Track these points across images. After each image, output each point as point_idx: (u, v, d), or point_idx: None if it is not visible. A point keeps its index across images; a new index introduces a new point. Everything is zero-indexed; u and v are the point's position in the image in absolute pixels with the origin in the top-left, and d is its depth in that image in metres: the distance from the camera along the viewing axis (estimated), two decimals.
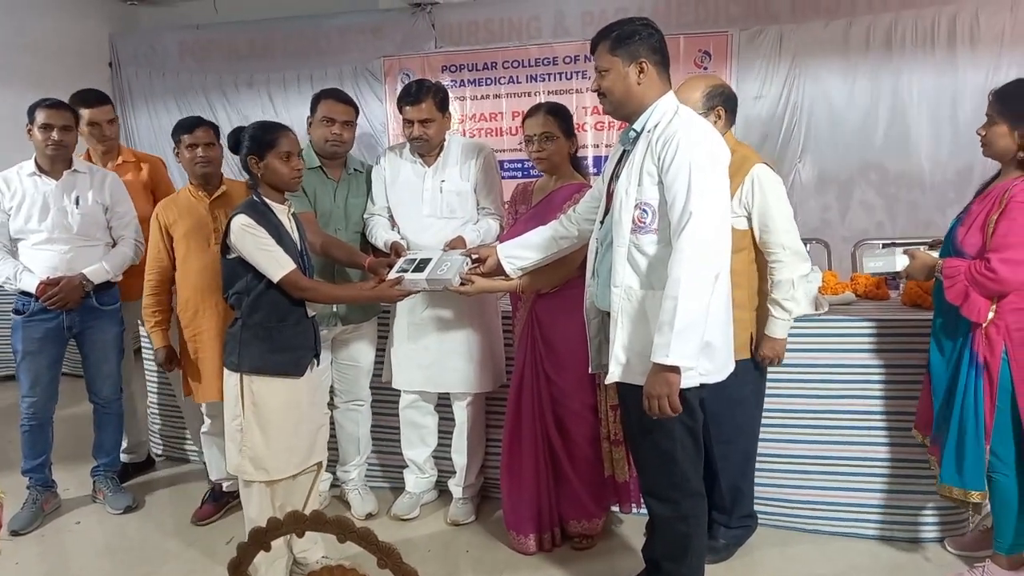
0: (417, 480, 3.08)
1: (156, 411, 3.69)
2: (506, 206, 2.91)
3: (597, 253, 2.15)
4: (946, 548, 2.60)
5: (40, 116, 2.93)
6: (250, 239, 2.29)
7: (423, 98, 2.73)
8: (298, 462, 2.44)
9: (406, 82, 5.70)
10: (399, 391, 3.00)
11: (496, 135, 5.77)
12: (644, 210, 1.94)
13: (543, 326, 2.57)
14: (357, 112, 2.97)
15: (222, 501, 3.14)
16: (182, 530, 3.04)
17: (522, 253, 2.45)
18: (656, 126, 1.96)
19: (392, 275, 2.52)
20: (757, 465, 2.69)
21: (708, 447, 2.43)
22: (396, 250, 2.73)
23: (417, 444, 3.05)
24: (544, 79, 5.60)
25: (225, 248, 2.35)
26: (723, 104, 2.39)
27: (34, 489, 3.14)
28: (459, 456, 2.99)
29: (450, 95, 5.62)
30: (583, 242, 2.38)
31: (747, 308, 2.39)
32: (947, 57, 4.85)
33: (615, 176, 2.07)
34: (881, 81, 5.00)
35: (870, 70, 5.00)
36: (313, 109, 2.91)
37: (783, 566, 2.59)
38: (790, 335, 2.66)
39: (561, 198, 2.55)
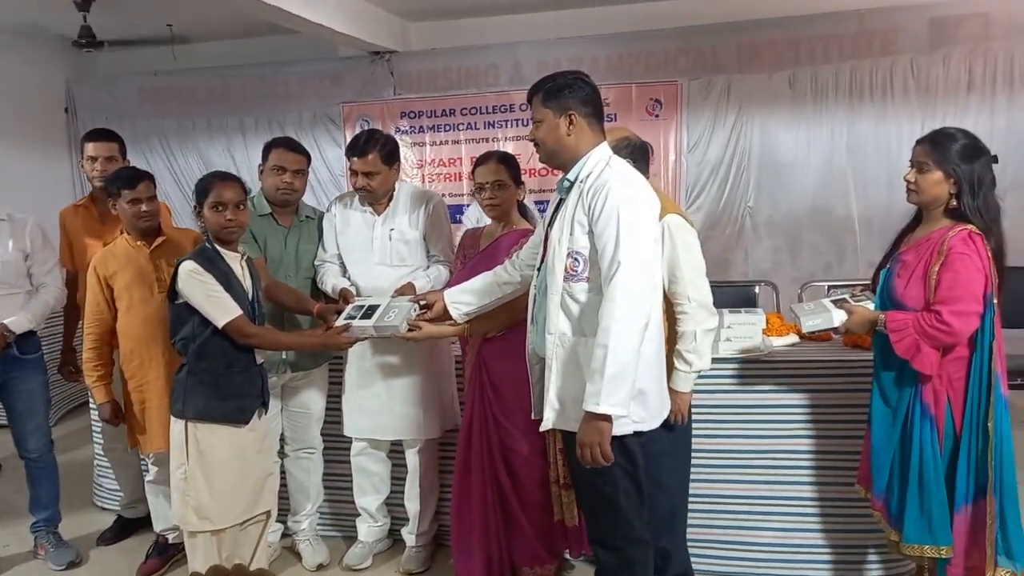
0: (369, 528, 3.04)
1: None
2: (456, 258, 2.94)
3: (535, 300, 2.18)
4: None
5: None
6: (196, 285, 2.29)
7: (369, 150, 2.75)
8: (243, 510, 2.41)
9: (365, 128, 5.91)
10: (351, 438, 2.99)
11: (455, 180, 5.85)
12: (576, 259, 2.00)
13: (490, 370, 2.59)
14: (309, 160, 3.00)
15: (167, 555, 3.05)
16: None
17: (467, 299, 2.47)
18: (588, 176, 2.02)
19: (340, 322, 2.52)
20: (702, 508, 2.72)
21: None
22: (345, 297, 2.74)
23: (369, 492, 3.02)
24: (502, 125, 5.71)
25: (173, 294, 2.34)
26: (630, 155, 2.41)
27: None
28: (412, 503, 2.97)
29: (409, 141, 5.82)
30: (525, 287, 2.41)
31: None
32: (884, 106, 5.08)
33: (551, 224, 2.12)
34: (823, 128, 5.21)
35: (812, 118, 5.21)
36: (265, 157, 2.92)
37: None
38: (735, 375, 2.73)
39: (507, 243, 2.60)
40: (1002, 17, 4.85)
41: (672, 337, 2.35)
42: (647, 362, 1.99)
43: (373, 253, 2.86)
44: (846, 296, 2.48)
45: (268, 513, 2.53)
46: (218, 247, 2.39)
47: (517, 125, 5.70)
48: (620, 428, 1.96)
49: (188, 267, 2.29)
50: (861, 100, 5.13)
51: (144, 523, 3.36)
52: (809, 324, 2.34)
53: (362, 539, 3.04)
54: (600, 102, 2.08)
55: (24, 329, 2.97)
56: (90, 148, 3.14)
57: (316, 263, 2.94)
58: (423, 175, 5.87)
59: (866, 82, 5.09)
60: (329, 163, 6.03)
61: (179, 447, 2.35)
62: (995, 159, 2.23)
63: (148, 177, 2.85)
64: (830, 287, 3.94)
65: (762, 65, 5.24)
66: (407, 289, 2.73)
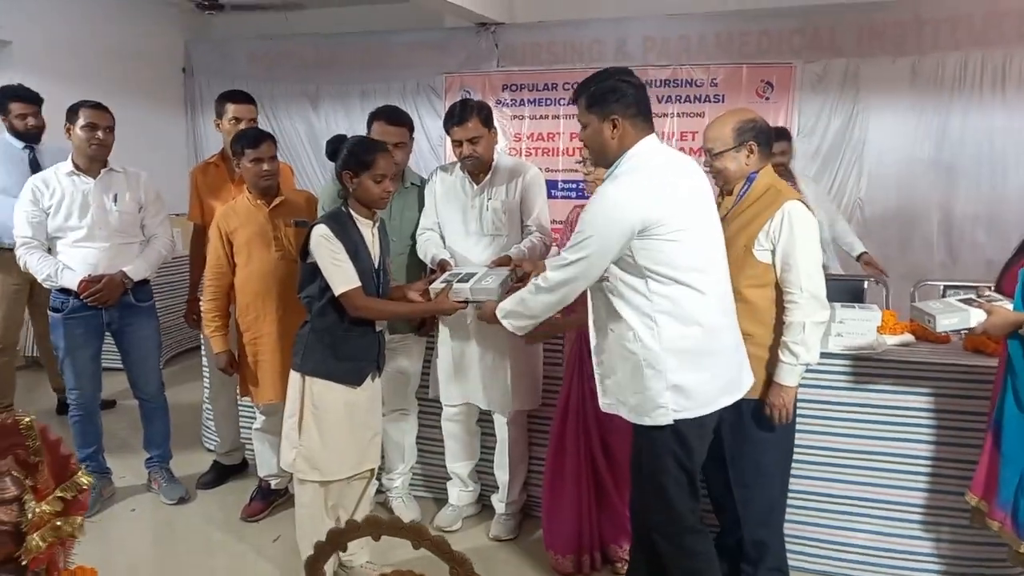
0: (460, 493, 3.12)
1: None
2: (562, 226, 2.94)
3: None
4: None
5: (83, 116, 3.04)
6: (325, 249, 2.37)
7: (468, 117, 2.78)
8: (351, 466, 2.50)
9: (464, 98, 5.95)
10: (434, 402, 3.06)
11: (553, 155, 5.83)
12: None
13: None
14: (412, 130, 3.04)
15: (270, 499, 3.22)
16: (231, 525, 3.13)
17: None
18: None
19: (438, 285, 2.57)
20: (800, 505, 2.67)
21: (729, 490, 2.45)
22: (442, 267, 2.78)
23: (460, 457, 3.09)
24: None
25: (304, 252, 2.44)
26: (754, 138, 2.35)
27: (91, 475, 3.26)
28: (501, 472, 3.02)
29: (508, 113, 5.82)
30: None
31: (766, 346, 2.32)
32: (1016, 98, 4.75)
33: None
34: (948, 120, 4.92)
35: (937, 109, 4.92)
36: (369, 127, 2.98)
37: None
38: (845, 371, 2.64)
39: None
40: None
41: (779, 327, 2.31)
42: (683, 357, 2.03)
43: (471, 222, 2.90)
44: (972, 295, 2.37)
45: (372, 470, 2.62)
46: (353, 212, 2.46)
47: None
48: (660, 418, 2.03)
49: (320, 231, 2.37)
50: (991, 91, 4.81)
51: (238, 469, 3.58)
52: (944, 323, 2.22)
53: (452, 502, 3.13)
54: (645, 98, 2.09)
55: (141, 277, 3.16)
56: (233, 109, 3.27)
57: (418, 232, 2.99)
58: (521, 148, 5.87)
59: (998, 72, 4.77)
60: (428, 133, 6.09)
61: (295, 398, 2.46)
62: None
63: (270, 137, 2.96)
64: (947, 287, 3.77)
65: (884, 49, 4.97)
66: (504, 261, 2.76)
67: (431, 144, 6.09)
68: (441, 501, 3.22)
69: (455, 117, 2.79)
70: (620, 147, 2.07)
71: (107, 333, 3.20)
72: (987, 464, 2.34)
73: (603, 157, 2.12)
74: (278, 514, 3.20)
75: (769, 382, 2.31)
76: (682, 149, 5.49)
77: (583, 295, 2.29)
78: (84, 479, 1.45)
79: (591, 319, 2.20)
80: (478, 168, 2.87)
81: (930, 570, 2.64)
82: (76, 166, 3.11)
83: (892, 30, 4.92)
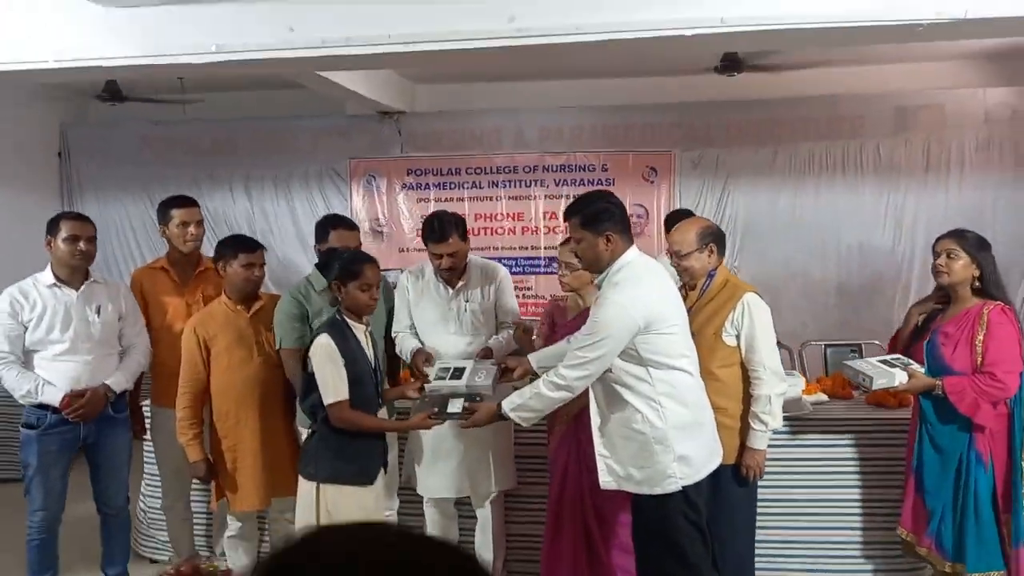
0: None
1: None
2: (542, 324, 3.20)
3: None
4: None
5: (65, 228, 2.99)
6: (324, 359, 2.49)
7: (449, 234, 2.95)
8: None
9: (372, 183, 6.13)
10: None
11: None
12: None
13: (588, 427, 2.84)
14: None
15: None
16: None
17: (555, 363, 2.69)
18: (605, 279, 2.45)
19: (430, 385, 2.72)
20: (760, 552, 3.04)
21: None
22: (418, 360, 2.90)
23: None
24: (505, 185, 6.03)
25: (306, 362, 2.53)
26: (714, 241, 2.82)
27: None
28: (485, 551, 3.16)
29: (414, 197, 6.06)
30: None
31: (736, 417, 2.71)
32: (855, 181, 5.67)
33: None
34: (801, 199, 5.75)
35: (792, 190, 5.75)
36: (324, 236, 3.12)
37: None
38: (782, 431, 3.09)
39: None
40: (954, 108, 5.54)
41: (746, 400, 2.72)
42: (684, 431, 2.39)
43: (448, 324, 3.09)
44: (887, 358, 2.89)
45: None
46: (348, 319, 2.59)
47: (520, 185, 6.03)
48: (670, 486, 2.37)
49: (323, 342, 2.49)
50: (833, 175, 5.71)
51: None
52: (879, 383, 2.73)
53: None
54: (627, 216, 2.49)
55: (123, 389, 3.08)
56: (181, 214, 3.29)
57: (393, 332, 3.13)
58: None
59: (838, 160, 5.68)
60: None
61: (309, 507, 2.52)
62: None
63: (263, 246, 3.03)
64: (827, 346, 4.44)
65: (748, 141, 5.76)
66: (486, 353, 2.98)
67: None
68: None
69: (435, 234, 2.96)
70: (611, 257, 2.41)
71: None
72: (912, 502, 2.85)
73: (595, 265, 2.46)
74: None
75: (742, 448, 2.68)
76: None
77: None
78: None
79: (593, 406, 2.48)
80: (455, 278, 3.09)
81: None
82: (57, 277, 3.00)
83: (754, 126, 5.74)
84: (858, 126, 5.66)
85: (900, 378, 2.73)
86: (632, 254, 2.44)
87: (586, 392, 2.77)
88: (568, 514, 2.90)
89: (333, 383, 2.47)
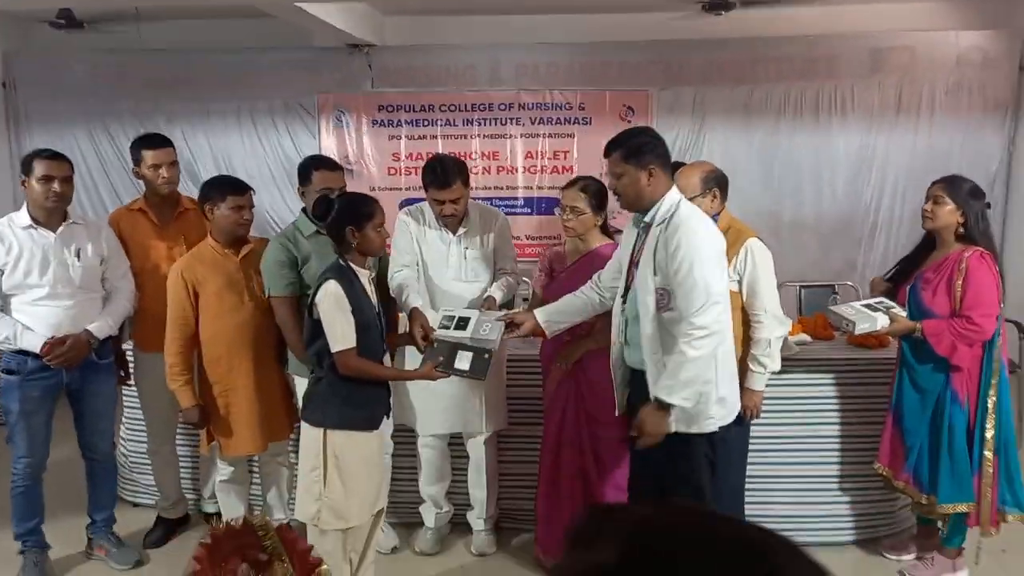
0: (437, 515, 3.27)
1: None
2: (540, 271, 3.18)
3: (627, 323, 2.53)
4: (884, 554, 3.14)
5: (39, 168, 2.83)
6: (331, 305, 2.42)
7: (452, 180, 2.88)
8: (371, 509, 2.60)
9: (342, 120, 5.93)
10: (409, 431, 3.18)
11: None
12: (663, 294, 2.37)
13: (589, 374, 2.89)
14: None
15: None
16: None
17: (561, 318, 2.76)
18: (663, 220, 2.39)
19: (435, 335, 2.71)
20: (751, 487, 3.16)
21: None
22: (417, 324, 2.74)
23: (435, 480, 3.24)
24: (480, 123, 5.90)
25: (311, 307, 2.48)
26: (717, 186, 2.83)
27: (31, 552, 3.01)
28: (478, 490, 3.22)
29: (385, 134, 5.91)
30: (608, 307, 2.75)
31: (736, 360, 2.72)
32: (828, 122, 5.72)
33: (633, 260, 2.47)
34: (775, 140, 5.78)
35: (766, 131, 5.77)
36: (307, 178, 2.99)
37: None
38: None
39: (601, 259, 2.86)
40: (927, 51, 5.59)
41: (746, 343, 2.77)
42: (727, 372, 2.43)
43: (448, 269, 3.05)
44: (870, 302, 2.97)
45: (382, 510, 2.71)
46: (353, 265, 2.53)
47: (495, 124, 5.91)
48: (708, 427, 2.41)
49: (331, 288, 2.43)
50: (807, 116, 5.73)
51: (183, 522, 3.44)
52: (861, 327, 2.82)
53: (430, 525, 3.27)
54: (668, 152, 2.45)
55: (106, 335, 2.98)
56: (151, 156, 3.15)
57: (392, 269, 3.07)
58: (399, 168, 5.98)
59: (813, 101, 5.70)
60: (302, 155, 5.95)
61: (315, 453, 2.50)
62: (988, 205, 2.87)
63: (251, 187, 2.93)
64: (802, 287, 4.56)
65: (724, 80, 5.73)
66: (490, 302, 2.95)
67: None
68: (412, 525, 3.35)
69: (438, 179, 2.89)
70: (654, 194, 2.38)
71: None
72: (889, 439, 2.98)
73: (637, 202, 2.41)
74: None
75: (740, 389, 2.75)
76: (554, 169, 5.93)
77: (604, 319, 2.60)
78: (324, 569, 1.51)
79: (647, 348, 2.41)
80: (456, 223, 3.03)
81: (843, 528, 3.25)
82: (34, 219, 2.85)
83: (731, 65, 5.70)
84: (833, 67, 5.67)
85: (882, 322, 2.82)
86: (677, 193, 2.42)
87: (600, 332, 2.80)
88: (566, 457, 2.95)
89: (341, 330, 2.42)
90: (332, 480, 2.49)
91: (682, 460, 2.45)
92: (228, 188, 2.85)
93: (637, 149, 2.35)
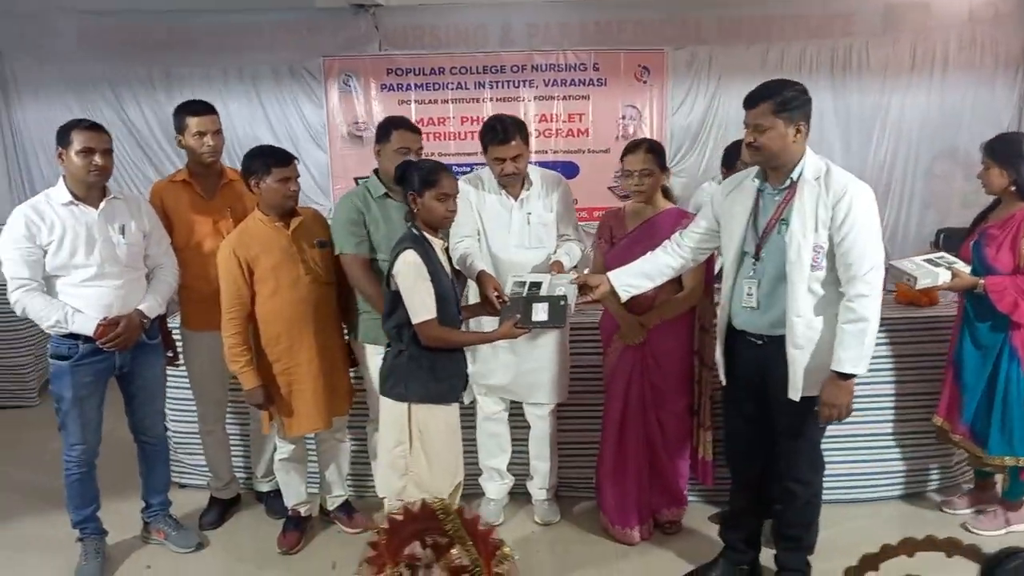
0: (499, 487, 3.25)
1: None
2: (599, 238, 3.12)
3: (758, 285, 2.45)
4: (943, 508, 3.20)
5: (78, 139, 2.67)
6: (412, 276, 2.37)
7: (512, 136, 2.83)
8: (453, 481, 2.57)
9: (349, 84, 5.76)
10: (467, 405, 3.12)
11: (443, 139, 5.87)
12: (818, 252, 2.30)
13: (654, 344, 2.88)
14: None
15: (302, 527, 3.11)
16: (271, 560, 3.00)
17: (635, 281, 2.68)
18: (817, 178, 2.32)
19: (513, 287, 2.65)
20: None
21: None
22: (490, 286, 2.69)
23: (497, 453, 3.22)
24: (492, 86, 5.79)
25: (388, 279, 2.41)
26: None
27: (90, 539, 2.93)
28: (541, 461, 3.21)
29: (394, 99, 5.75)
30: (685, 270, 2.72)
31: None
32: (843, 81, 5.71)
33: (782, 221, 2.38)
34: None
35: None
36: (386, 137, 2.91)
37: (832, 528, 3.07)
38: None
39: (668, 224, 2.84)
40: (940, 7, 5.58)
41: None
42: None
43: (511, 235, 2.98)
44: (932, 257, 2.99)
45: (461, 482, 2.68)
46: (426, 235, 2.46)
47: (507, 86, 5.80)
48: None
49: (410, 258, 2.36)
50: (822, 75, 5.71)
51: (234, 503, 3.39)
52: (923, 282, 2.83)
53: (492, 496, 3.26)
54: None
55: (157, 314, 2.87)
56: (195, 123, 2.99)
57: (452, 244, 2.99)
58: None
59: (828, 59, 5.68)
60: (309, 121, 5.84)
61: (400, 428, 2.46)
62: None
63: (296, 157, 2.81)
64: None
65: (739, 39, 5.68)
66: (556, 267, 2.91)
67: (312, 134, 5.83)
68: (468, 497, 3.30)
69: (498, 136, 2.83)
70: (797, 152, 2.32)
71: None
72: (948, 393, 3.04)
73: (776, 159, 2.33)
74: (313, 541, 3.12)
75: None
76: (569, 132, 5.85)
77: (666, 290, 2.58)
78: (507, 549, 1.48)
79: (802, 311, 2.33)
80: (516, 184, 2.95)
81: (896, 484, 3.31)
82: (73, 194, 2.71)
83: (746, 23, 5.64)
84: (848, 24, 5.65)
85: (943, 277, 2.84)
86: (814, 154, 2.37)
87: (667, 305, 2.78)
88: (632, 428, 2.94)
89: (422, 300, 2.36)
90: (417, 455, 2.45)
91: (807, 421, 2.42)
92: (272, 160, 2.72)
93: (789, 103, 2.27)
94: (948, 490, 3.33)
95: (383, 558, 1.51)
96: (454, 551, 1.52)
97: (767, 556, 2.75)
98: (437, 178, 2.42)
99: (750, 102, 2.33)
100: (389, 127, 2.94)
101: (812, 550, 2.64)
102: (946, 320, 3.19)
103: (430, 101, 5.83)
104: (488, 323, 2.85)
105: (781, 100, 2.28)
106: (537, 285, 2.68)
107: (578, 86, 5.77)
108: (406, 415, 2.44)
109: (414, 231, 2.46)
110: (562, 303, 2.55)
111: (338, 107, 5.83)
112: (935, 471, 3.33)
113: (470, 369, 3.00)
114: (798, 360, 2.36)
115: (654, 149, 2.88)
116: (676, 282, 2.84)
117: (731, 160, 3.69)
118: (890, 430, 3.27)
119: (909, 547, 1.14)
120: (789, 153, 2.33)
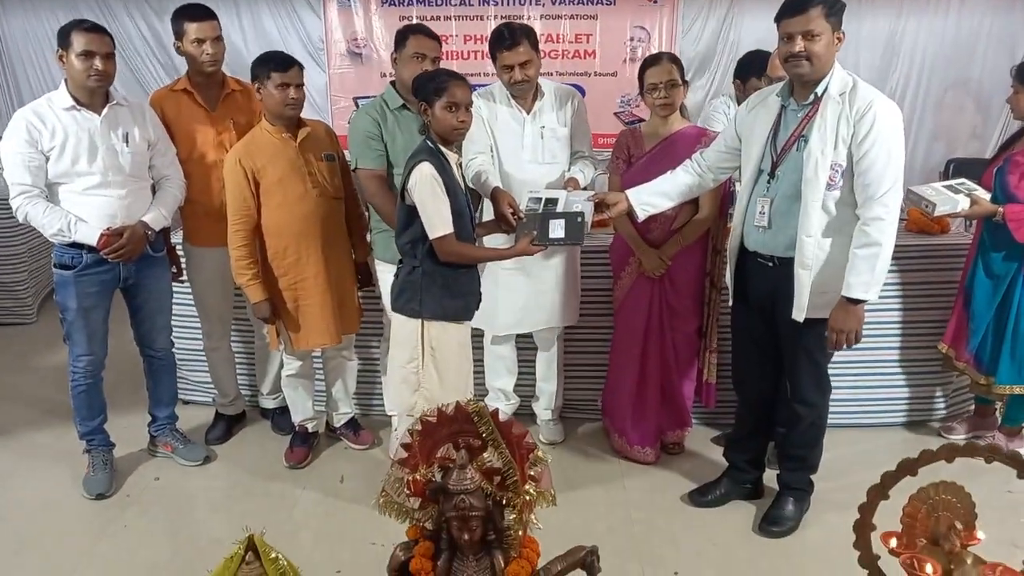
0: (504, 407, 3.27)
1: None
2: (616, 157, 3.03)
3: (772, 204, 2.37)
4: (942, 434, 3.23)
5: (78, 42, 2.55)
6: (429, 190, 2.30)
7: (519, 41, 2.72)
8: (462, 399, 2.55)
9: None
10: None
11: (445, 59, 5.65)
12: (836, 170, 2.23)
13: (670, 268, 2.85)
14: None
15: (310, 442, 3.14)
16: (280, 474, 3.03)
17: (655, 200, 2.62)
18: (842, 94, 2.23)
19: (529, 202, 2.59)
20: None
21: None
22: (504, 202, 2.62)
23: (504, 375, 3.22)
24: (496, 3, 5.57)
25: (402, 192, 2.35)
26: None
27: (98, 451, 2.93)
28: (547, 383, 3.22)
29: (396, 14, 5.53)
30: (705, 189, 2.66)
31: None
32: (858, 5, 5.50)
33: (801, 137, 2.30)
34: None
35: None
36: (401, 43, 2.83)
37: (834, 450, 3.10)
38: None
39: (686, 142, 2.76)
40: None
41: None
42: None
43: (524, 150, 2.90)
44: (952, 183, 2.94)
45: (469, 399, 2.68)
46: (442, 148, 2.38)
47: (512, 4, 5.58)
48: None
49: (426, 170, 2.29)
50: None
51: (240, 419, 3.41)
52: (941, 209, 2.79)
53: None
54: None
55: (162, 226, 2.81)
56: (194, 29, 2.86)
57: (468, 158, 2.90)
58: None
59: None
60: (309, 36, 5.63)
61: (412, 344, 2.44)
62: None
63: (299, 63, 2.70)
64: None
65: None
66: (572, 183, 2.84)
67: (311, 51, 5.64)
68: None
69: (505, 40, 2.72)
70: (832, 62, 2.23)
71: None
72: (956, 320, 3.05)
73: (819, 67, 2.20)
74: (320, 456, 3.14)
75: None
76: (576, 53, 5.68)
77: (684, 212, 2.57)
78: (540, 453, 1.47)
79: (813, 231, 2.27)
80: (526, 93, 2.86)
81: (898, 410, 3.34)
82: (75, 99, 2.60)
83: None
84: None
85: (963, 204, 2.80)
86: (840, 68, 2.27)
87: (689, 229, 2.75)
88: (652, 353, 2.95)
89: (440, 214, 2.30)
90: (429, 372, 2.44)
91: (814, 344, 2.41)
92: (272, 64, 2.61)
93: (836, 6, 2.16)
94: (952, 418, 3.37)
95: (416, 459, 1.51)
96: (486, 454, 1.51)
97: (770, 476, 2.79)
98: (446, 86, 2.32)
99: (796, 7, 2.19)
100: (407, 32, 2.84)
101: (815, 469, 2.67)
102: (958, 248, 3.17)
103: (432, 18, 5.60)
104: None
105: (831, 4, 2.17)
106: (553, 201, 2.62)
107: (586, 4, 5.56)
108: (419, 331, 2.42)
109: (429, 144, 2.38)
110: (579, 220, 2.50)
111: (336, 23, 5.62)
112: (940, 400, 3.35)
113: (487, 306, 2.98)
114: (804, 280, 2.32)
115: (675, 60, 2.79)
116: (692, 204, 2.80)
117: (745, 72, 3.51)
118: (896, 357, 3.28)
119: (949, 452, 1.14)
120: (827, 63, 2.23)
